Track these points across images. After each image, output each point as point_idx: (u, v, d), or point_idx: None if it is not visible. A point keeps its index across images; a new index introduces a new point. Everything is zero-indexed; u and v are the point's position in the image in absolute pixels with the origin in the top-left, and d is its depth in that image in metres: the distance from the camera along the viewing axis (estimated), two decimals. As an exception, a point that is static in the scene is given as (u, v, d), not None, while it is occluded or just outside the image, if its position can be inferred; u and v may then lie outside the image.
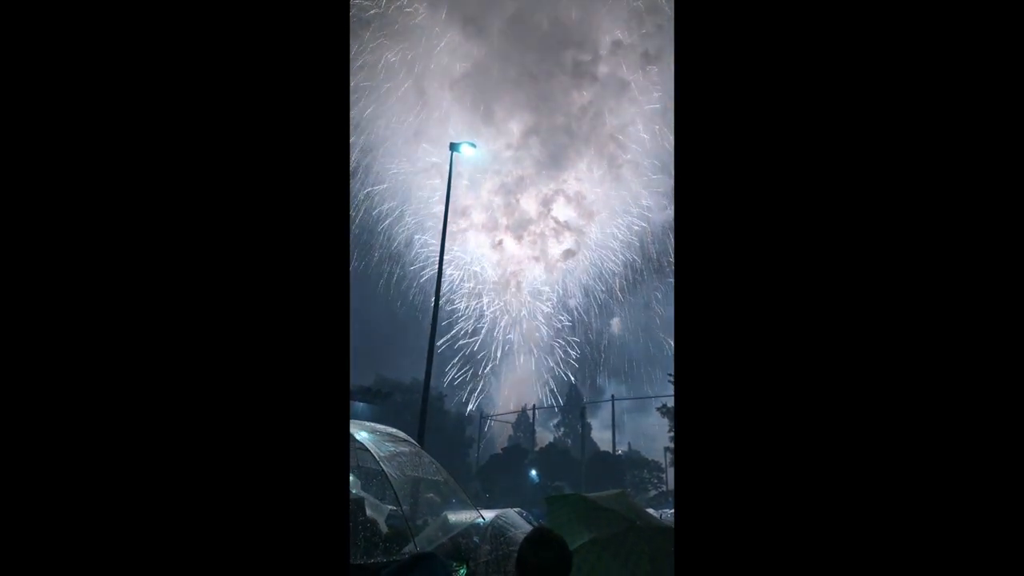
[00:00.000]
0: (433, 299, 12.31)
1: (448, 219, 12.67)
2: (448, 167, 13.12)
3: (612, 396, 27.88)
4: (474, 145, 14.14)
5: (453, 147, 13.23)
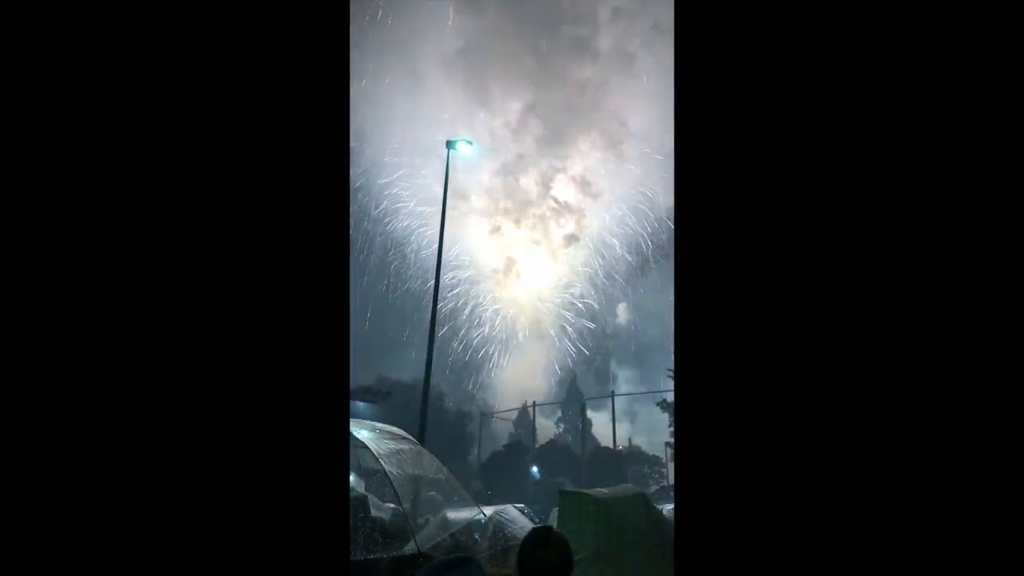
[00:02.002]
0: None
1: (445, 217, 12.63)
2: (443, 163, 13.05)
3: (612, 392, 27.90)
4: (471, 143, 14.11)
5: (449, 144, 13.19)
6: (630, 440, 28.81)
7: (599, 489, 4.21)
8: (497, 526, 6.41)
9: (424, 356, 11.59)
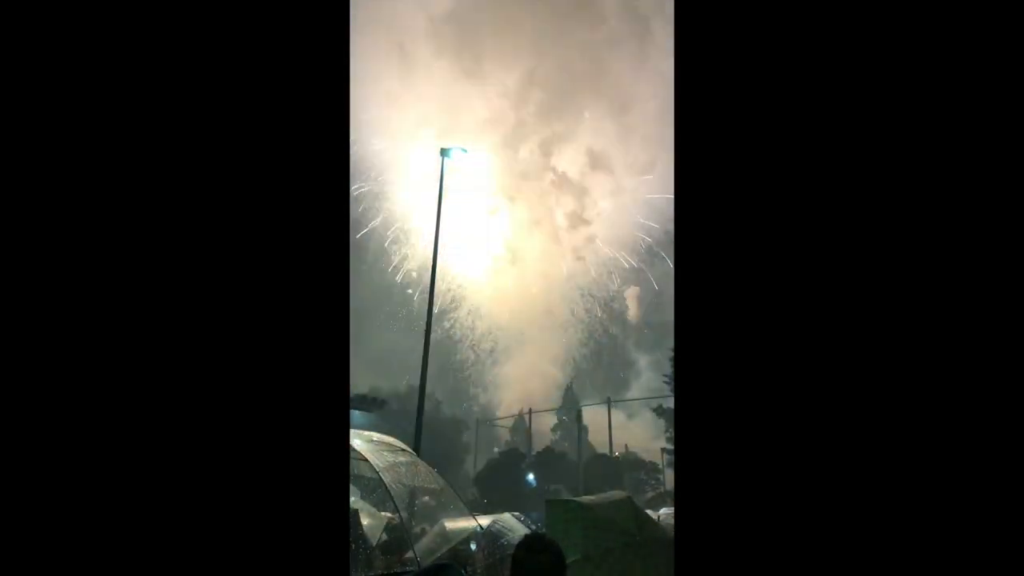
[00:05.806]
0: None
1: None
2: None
3: (608, 399, 27.85)
4: (465, 151, 14.14)
5: (443, 152, 13.20)
6: (626, 446, 28.71)
7: (586, 496, 4.23)
8: (494, 535, 6.40)
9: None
